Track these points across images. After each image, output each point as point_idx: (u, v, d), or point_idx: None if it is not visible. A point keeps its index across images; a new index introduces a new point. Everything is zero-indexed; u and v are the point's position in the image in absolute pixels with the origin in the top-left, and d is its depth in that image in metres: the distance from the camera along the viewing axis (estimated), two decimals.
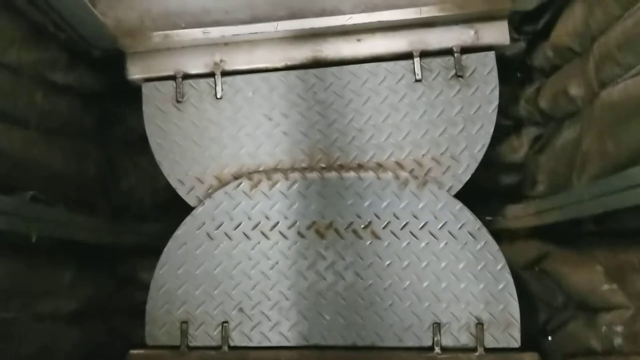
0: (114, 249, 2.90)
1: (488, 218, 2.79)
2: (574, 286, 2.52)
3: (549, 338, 2.70)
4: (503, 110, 2.59)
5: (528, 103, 2.87)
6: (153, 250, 2.77)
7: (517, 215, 2.80)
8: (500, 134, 2.58)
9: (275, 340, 2.47)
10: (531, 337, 2.56)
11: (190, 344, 2.49)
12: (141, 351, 2.51)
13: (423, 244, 2.45)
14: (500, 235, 2.75)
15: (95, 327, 2.79)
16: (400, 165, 2.56)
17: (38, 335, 2.40)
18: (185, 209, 2.65)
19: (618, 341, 2.23)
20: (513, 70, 2.82)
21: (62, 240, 2.49)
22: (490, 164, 2.56)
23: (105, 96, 2.94)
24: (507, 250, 2.73)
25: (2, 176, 2.21)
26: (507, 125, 2.87)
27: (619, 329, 2.23)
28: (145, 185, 3.05)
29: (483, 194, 2.59)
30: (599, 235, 2.37)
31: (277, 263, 2.51)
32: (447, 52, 2.61)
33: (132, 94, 2.79)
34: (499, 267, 2.40)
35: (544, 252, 2.73)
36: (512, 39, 2.61)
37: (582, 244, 2.49)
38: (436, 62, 2.60)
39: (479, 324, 2.37)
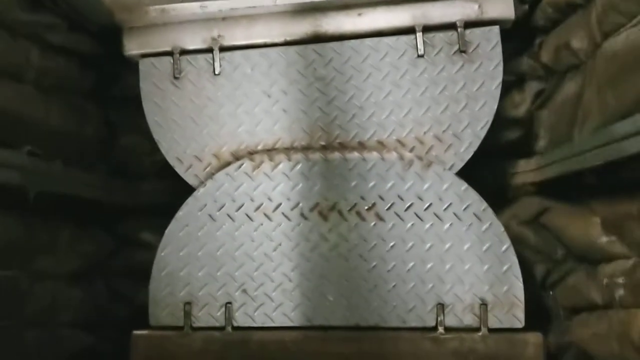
0: (112, 207, 2.96)
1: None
2: (573, 239, 2.60)
3: (550, 293, 2.79)
4: (505, 65, 2.61)
5: (530, 57, 2.89)
6: (152, 210, 2.89)
7: (518, 171, 2.86)
8: (502, 90, 2.60)
9: (279, 321, 2.53)
10: (532, 292, 2.62)
11: (194, 325, 2.55)
12: (145, 332, 2.57)
13: (427, 226, 2.49)
14: (501, 192, 2.84)
15: (96, 287, 2.90)
16: (401, 143, 2.59)
17: (40, 294, 2.49)
18: None
19: (620, 293, 2.29)
20: (515, 27, 2.80)
21: (60, 197, 2.55)
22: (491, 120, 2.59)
23: (104, 57, 2.96)
24: (508, 207, 2.84)
25: None
26: (509, 81, 2.87)
27: (621, 280, 2.29)
28: (144, 144, 3.07)
29: (483, 151, 2.62)
30: (598, 188, 2.43)
31: (280, 245, 2.56)
32: (451, 26, 2.62)
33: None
34: (504, 248, 2.45)
35: (544, 207, 2.79)
36: (515, 6, 2.62)
37: (581, 197, 2.55)
38: (439, 37, 2.62)
39: (483, 305, 2.42)
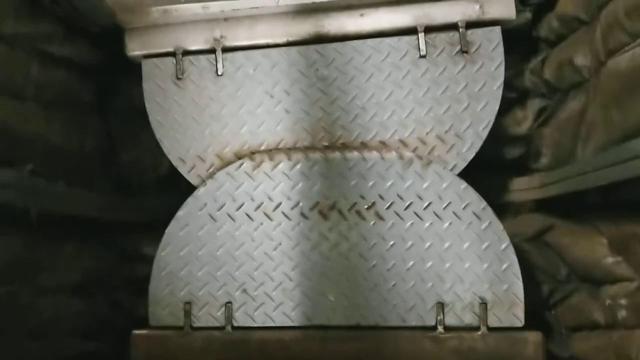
0: (115, 223, 2.98)
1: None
2: (577, 259, 2.60)
3: (552, 312, 2.79)
4: (507, 81, 2.63)
5: (533, 74, 2.91)
6: (154, 225, 2.85)
7: (521, 188, 2.88)
8: (504, 106, 2.62)
9: (279, 320, 2.55)
10: (534, 310, 2.62)
11: (194, 325, 2.58)
12: (145, 332, 2.60)
13: (427, 225, 2.51)
14: (504, 209, 2.84)
15: (98, 301, 2.89)
16: (403, 143, 2.61)
17: (41, 308, 2.49)
18: (186, 183, 2.73)
19: (622, 314, 2.31)
20: (518, 41, 2.83)
21: (62, 215, 2.57)
22: (494, 136, 2.60)
23: (104, 69, 2.98)
24: (511, 224, 2.82)
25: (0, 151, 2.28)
26: (511, 98, 2.91)
27: (623, 301, 2.31)
28: (146, 159, 3.11)
29: (486, 167, 2.65)
30: (603, 207, 2.43)
31: (280, 244, 2.58)
32: (452, 27, 2.64)
33: (132, 66, 2.86)
34: (503, 246, 2.46)
35: (548, 224, 2.80)
36: (517, 10, 2.63)
37: (585, 216, 2.55)
38: (441, 38, 2.64)
39: (483, 304, 2.44)
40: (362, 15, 2.69)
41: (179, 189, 2.78)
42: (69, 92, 2.77)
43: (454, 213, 2.51)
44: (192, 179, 2.72)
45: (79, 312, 2.73)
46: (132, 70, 2.86)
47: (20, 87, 2.44)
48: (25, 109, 2.46)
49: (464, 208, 2.50)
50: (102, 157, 3.03)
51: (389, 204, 2.55)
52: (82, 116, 2.88)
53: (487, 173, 2.75)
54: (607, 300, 2.39)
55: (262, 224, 2.61)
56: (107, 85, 3.06)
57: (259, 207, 2.61)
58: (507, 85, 2.63)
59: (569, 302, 2.70)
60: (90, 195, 2.76)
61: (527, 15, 2.80)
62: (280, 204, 2.61)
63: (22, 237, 2.40)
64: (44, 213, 2.36)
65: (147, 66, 2.80)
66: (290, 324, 2.55)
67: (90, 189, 2.78)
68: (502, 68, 2.60)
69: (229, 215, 2.63)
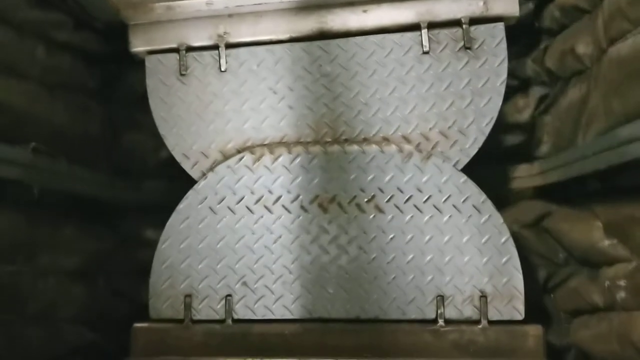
0: (115, 205, 3.09)
1: None
2: (575, 242, 2.68)
3: (551, 295, 2.87)
4: (509, 69, 2.69)
5: (535, 62, 2.99)
6: (155, 208, 2.97)
7: (521, 175, 2.96)
8: (505, 94, 2.67)
9: (279, 313, 2.61)
10: (533, 296, 2.68)
11: (194, 318, 2.64)
12: (145, 324, 2.66)
13: (427, 218, 2.57)
14: (504, 196, 2.93)
15: (99, 285, 2.99)
16: (406, 139, 2.68)
17: (42, 292, 2.58)
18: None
19: (621, 295, 2.36)
20: (520, 30, 2.86)
21: (64, 194, 2.67)
22: (495, 124, 2.66)
23: (110, 55, 3.09)
24: (510, 210, 2.92)
25: (3, 130, 2.37)
26: (512, 85, 2.99)
27: (622, 282, 2.36)
28: (147, 143, 3.21)
29: (487, 154, 2.69)
30: (600, 192, 2.51)
31: (280, 237, 2.65)
32: (456, 23, 2.70)
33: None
34: (503, 240, 2.52)
35: (546, 211, 2.87)
36: (520, 2, 2.70)
37: (583, 201, 2.62)
38: (444, 34, 2.71)
39: (483, 297, 2.50)
40: (365, 11, 2.76)
41: (178, 173, 2.84)
42: (73, 76, 2.89)
43: (454, 206, 2.57)
44: (195, 174, 2.78)
45: (79, 296, 2.82)
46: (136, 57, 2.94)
47: (25, 67, 2.55)
48: (30, 89, 2.57)
49: (463, 201, 2.57)
50: (104, 140, 3.14)
51: (388, 197, 2.61)
52: (85, 100, 3.00)
53: (488, 160, 2.78)
54: (606, 281, 2.45)
55: (262, 217, 2.67)
56: (112, 70, 3.17)
57: (259, 200, 2.68)
58: (509, 73, 2.69)
59: (567, 285, 2.76)
60: (92, 174, 2.86)
61: (530, 6, 2.88)
62: (280, 197, 2.67)
63: (24, 215, 2.49)
64: (46, 192, 2.45)
65: (150, 62, 2.87)
66: (290, 316, 2.61)
67: (92, 171, 2.88)
68: (506, 64, 2.65)
69: (229, 208, 2.69)
